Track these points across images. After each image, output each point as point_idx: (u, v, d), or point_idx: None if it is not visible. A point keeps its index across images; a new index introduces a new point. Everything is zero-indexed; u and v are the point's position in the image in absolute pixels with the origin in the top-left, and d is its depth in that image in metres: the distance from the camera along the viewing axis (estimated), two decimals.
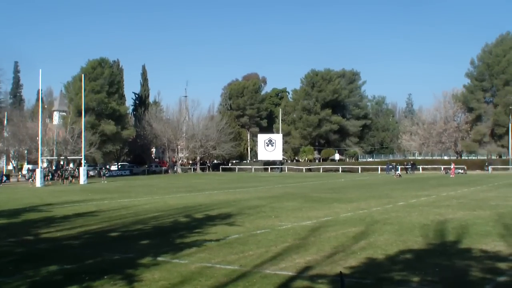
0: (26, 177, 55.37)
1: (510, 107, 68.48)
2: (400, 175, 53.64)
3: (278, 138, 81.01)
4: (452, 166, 57.32)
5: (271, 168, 78.31)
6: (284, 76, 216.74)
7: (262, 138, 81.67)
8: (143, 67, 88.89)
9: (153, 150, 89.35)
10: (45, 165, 56.20)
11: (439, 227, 14.75)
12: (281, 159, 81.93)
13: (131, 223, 17.03)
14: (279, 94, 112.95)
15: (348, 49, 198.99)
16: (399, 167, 58.70)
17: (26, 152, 64.26)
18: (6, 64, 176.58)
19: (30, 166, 60.95)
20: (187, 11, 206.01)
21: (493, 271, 9.19)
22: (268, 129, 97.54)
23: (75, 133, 58.82)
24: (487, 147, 76.68)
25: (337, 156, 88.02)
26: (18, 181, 52.93)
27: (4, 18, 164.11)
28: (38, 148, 51.18)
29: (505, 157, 71.61)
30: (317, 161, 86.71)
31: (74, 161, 63.44)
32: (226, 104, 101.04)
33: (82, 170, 49.68)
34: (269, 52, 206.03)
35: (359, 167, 73.97)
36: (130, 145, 78.13)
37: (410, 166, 65.67)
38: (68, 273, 9.43)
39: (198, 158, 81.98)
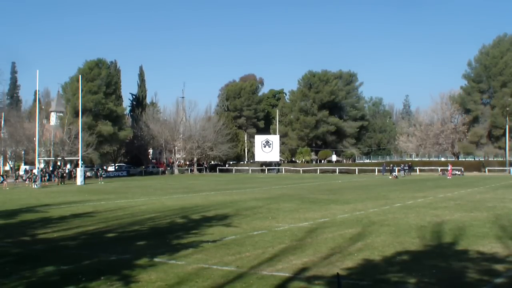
0: (24, 178, 55.11)
1: (507, 109, 68.56)
2: (396, 177, 53.74)
3: (275, 139, 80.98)
4: (449, 168, 57.49)
5: (268, 169, 78.29)
6: (281, 77, 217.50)
7: (259, 139, 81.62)
8: (141, 68, 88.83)
9: (150, 151, 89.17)
10: (42, 165, 56.00)
11: (436, 228, 14.78)
12: (278, 160, 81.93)
13: (128, 224, 17.01)
14: (276, 95, 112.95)
15: (345, 50, 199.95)
16: (396, 169, 58.72)
17: (23, 152, 64.06)
18: (4, 64, 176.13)
19: (27, 167, 60.74)
20: (184, 12, 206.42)
21: (490, 273, 9.21)
22: (265, 130, 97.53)
23: (72, 133, 58.58)
24: (484, 148, 76.76)
25: (334, 158, 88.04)
26: (15, 182, 52.57)
27: (1, 18, 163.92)
28: (35, 149, 51.06)
29: (502, 159, 71.63)
30: (314, 162, 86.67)
31: (71, 162, 63.25)
32: (223, 105, 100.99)
33: (79, 170, 49.55)
34: (266, 53, 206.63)
35: (356, 168, 74.09)
36: (127, 146, 77.89)
37: (406, 168, 65.69)
38: (65, 274, 9.42)
39: (195, 159, 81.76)
